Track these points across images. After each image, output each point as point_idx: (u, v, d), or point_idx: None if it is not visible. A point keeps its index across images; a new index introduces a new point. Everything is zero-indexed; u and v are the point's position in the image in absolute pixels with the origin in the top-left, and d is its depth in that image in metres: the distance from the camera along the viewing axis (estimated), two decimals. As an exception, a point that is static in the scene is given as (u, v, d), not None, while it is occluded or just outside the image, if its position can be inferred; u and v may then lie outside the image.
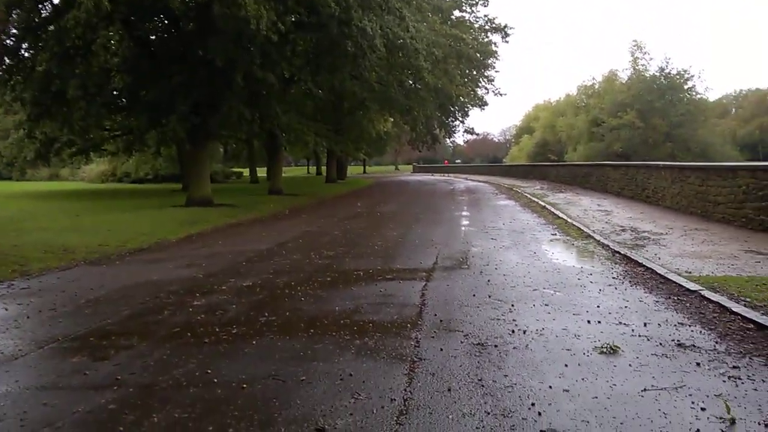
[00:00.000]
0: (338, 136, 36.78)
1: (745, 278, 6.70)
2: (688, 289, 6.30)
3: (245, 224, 15.57)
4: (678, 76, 62.91)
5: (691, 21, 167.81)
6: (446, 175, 59.75)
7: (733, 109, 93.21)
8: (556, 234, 11.67)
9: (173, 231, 13.58)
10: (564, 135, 75.41)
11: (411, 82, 29.99)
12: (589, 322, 5.22)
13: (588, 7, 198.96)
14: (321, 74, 22.65)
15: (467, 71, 33.91)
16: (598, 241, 10.27)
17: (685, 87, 63.76)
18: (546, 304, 5.89)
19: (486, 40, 30.11)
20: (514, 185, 30.82)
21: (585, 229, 11.82)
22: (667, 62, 63.47)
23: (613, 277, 7.22)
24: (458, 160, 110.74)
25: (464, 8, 30.97)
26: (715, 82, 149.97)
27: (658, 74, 63.58)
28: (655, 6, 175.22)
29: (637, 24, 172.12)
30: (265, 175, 54.70)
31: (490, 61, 32.96)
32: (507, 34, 30.09)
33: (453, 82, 26.92)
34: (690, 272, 7.22)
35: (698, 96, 64.38)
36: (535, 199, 20.13)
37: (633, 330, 4.95)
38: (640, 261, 8.02)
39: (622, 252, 8.89)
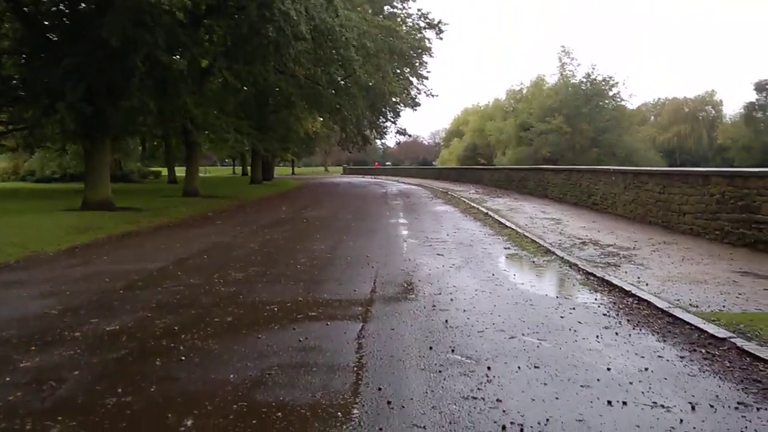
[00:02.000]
0: (263, 134, 34.33)
1: (772, 316, 5.23)
2: (713, 336, 4.72)
3: (146, 233, 13.19)
4: (603, 83, 63.93)
5: (616, 31, 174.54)
6: (377, 177, 58.16)
7: (652, 117, 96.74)
8: (509, 248, 10.06)
9: (55, 241, 11.11)
10: (493, 139, 75.45)
11: (341, 79, 28.08)
12: (610, 403, 3.49)
13: (518, 12, 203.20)
14: (240, 63, 20.38)
15: (399, 70, 32.35)
16: (562, 258, 8.73)
17: (610, 93, 64.93)
18: (536, 366, 4.13)
19: (419, 36, 28.52)
20: (448, 189, 29.51)
21: (540, 242, 10.30)
22: (593, 68, 64.39)
23: (604, 314, 5.59)
24: (388, 163, 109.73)
25: (395, 4, 29.28)
26: (635, 90, 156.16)
27: (584, 80, 64.43)
28: (583, 13, 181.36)
29: (565, 30, 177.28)
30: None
31: (423, 60, 31.47)
32: (441, 30, 28.55)
33: (385, 79, 25.12)
34: (696, 305, 5.70)
35: (622, 102, 65.77)
36: (475, 205, 18.69)
37: (682, 420, 3.25)
38: (626, 288, 6.45)
39: (598, 274, 7.33)
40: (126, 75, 15.80)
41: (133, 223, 14.64)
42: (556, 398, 3.56)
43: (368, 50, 21.32)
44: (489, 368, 4.09)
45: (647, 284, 6.70)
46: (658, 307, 5.64)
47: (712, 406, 3.44)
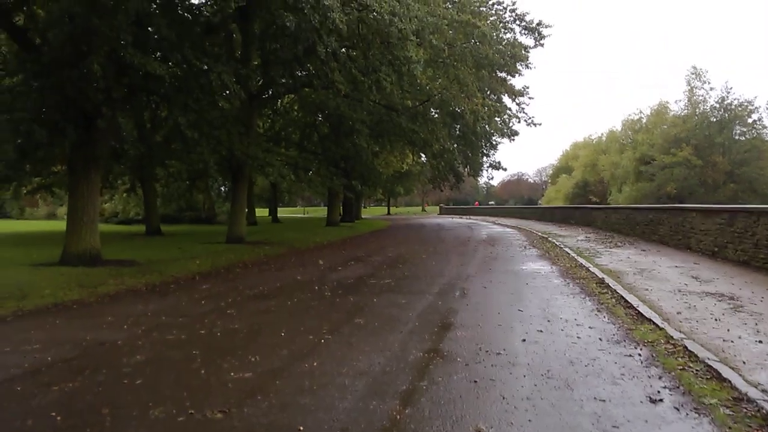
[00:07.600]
0: (338, 171, 29.98)
1: None
2: None
3: (88, 303, 8.82)
4: (740, 108, 54.72)
5: (747, 51, 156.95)
6: (472, 217, 52.28)
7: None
8: (663, 399, 4.37)
9: None
10: (607, 175, 67.43)
11: (418, 103, 23.15)
12: None
13: (631, 34, 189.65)
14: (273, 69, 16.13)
15: (495, 95, 26.89)
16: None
17: (749, 120, 55.49)
18: None
19: (513, 41, 22.64)
20: (549, 233, 23.48)
21: (733, 381, 4.57)
22: (728, 92, 55.27)
23: None
24: (492, 202, 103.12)
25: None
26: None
27: (717, 105, 55.50)
28: (709, 31, 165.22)
29: (683, 51, 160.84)
30: (275, 215, 48.42)
31: (521, 73, 25.56)
32: (542, 35, 22.69)
33: (465, 93, 19.52)
34: None
35: (764, 130, 55.94)
36: (583, 261, 12.81)
37: None
38: None
39: None
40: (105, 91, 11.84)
41: (94, 286, 10.48)
42: None
43: (437, 51, 16.24)
44: None
45: None
46: None
47: None
